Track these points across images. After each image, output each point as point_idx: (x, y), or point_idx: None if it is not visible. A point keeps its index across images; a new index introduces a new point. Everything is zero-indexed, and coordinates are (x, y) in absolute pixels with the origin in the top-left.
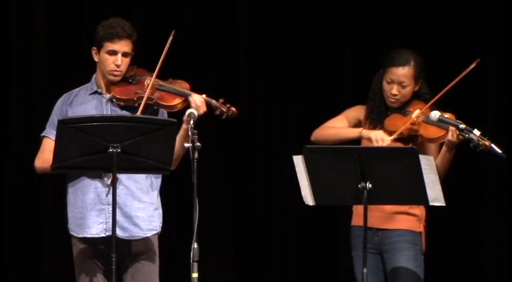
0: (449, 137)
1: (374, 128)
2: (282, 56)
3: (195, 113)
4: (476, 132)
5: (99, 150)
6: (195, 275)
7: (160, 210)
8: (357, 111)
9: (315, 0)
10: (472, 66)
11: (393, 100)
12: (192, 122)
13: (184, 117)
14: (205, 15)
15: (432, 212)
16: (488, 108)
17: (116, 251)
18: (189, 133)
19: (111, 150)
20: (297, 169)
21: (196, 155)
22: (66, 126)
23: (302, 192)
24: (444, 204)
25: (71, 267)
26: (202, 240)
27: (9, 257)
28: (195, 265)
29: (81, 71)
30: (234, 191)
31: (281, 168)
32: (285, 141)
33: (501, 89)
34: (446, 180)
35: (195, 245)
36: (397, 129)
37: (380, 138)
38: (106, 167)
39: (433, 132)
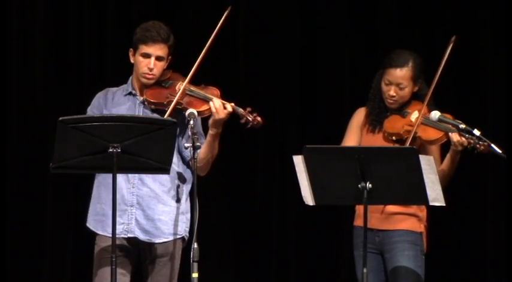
0: (452, 139)
1: (374, 129)
2: (282, 56)
3: (195, 112)
4: (476, 132)
5: (99, 150)
6: (195, 275)
7: (188, 215)
8: (358, 117)
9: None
10: (451, 44)
11: (391, 101)
12: (192, 121)
13: (210, 122)
14: (205, 14)
15: (432, 212)
16: (488, 108)
17: (136, 253)
18: (189, 133)
19: (111, 150)
20: (297, 169)
21: (196, 155)
22: (66, 126)
23: (302, 192)
24: (444, 204)
25: (71, 267)
26: (202, 240)
27: (9, 256)
28: (195, 265)
29: (82, 71)
30: (234, 191)
31: (281, 168)
32: (285, 141)
33: (501, 88)
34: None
35: (195, 245)
36: (395, 131)
37: None
38: (106, 167)
39: (431, 134)
